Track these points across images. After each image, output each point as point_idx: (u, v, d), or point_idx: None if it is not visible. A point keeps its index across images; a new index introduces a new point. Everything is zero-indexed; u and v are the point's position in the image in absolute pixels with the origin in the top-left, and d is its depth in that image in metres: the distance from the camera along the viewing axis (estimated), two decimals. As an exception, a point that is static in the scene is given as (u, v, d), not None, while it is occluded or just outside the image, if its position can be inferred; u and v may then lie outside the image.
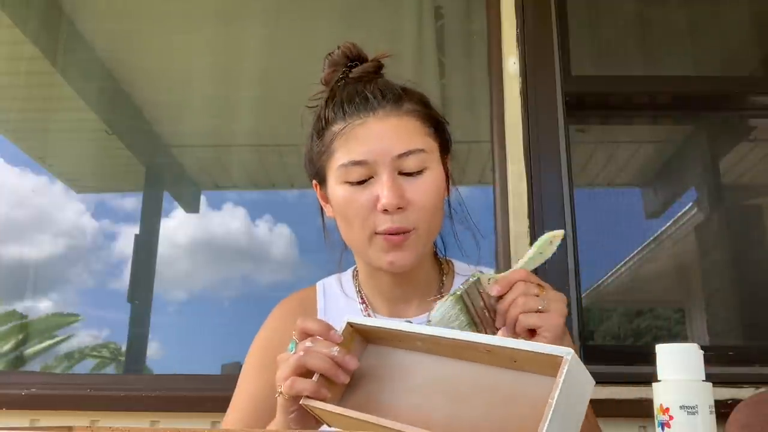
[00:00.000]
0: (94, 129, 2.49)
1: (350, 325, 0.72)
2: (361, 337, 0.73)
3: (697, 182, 2.05)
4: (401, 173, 0.90)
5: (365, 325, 0.71)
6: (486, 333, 0.75)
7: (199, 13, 2.28)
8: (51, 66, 2.33)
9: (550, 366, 0.55)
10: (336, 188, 0.92)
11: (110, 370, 2.60)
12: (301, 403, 0.70)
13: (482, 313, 0.77)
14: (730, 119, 1.93)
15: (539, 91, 1.62)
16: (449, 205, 1.01)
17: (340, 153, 0.91)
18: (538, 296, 0.76)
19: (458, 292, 0.75)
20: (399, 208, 0.88)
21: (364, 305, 1.03)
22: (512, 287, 0.76)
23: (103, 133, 2.49)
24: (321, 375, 0.70)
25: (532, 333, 0.75)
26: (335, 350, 0.69)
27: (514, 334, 0.75)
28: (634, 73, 1.88)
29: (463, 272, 1.05)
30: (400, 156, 0.89)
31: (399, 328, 0.67)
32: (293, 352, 0.72)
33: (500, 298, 0.77)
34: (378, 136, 0.90)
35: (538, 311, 0.74)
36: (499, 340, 0.59)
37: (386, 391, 0.68)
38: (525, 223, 1.53)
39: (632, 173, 2.15)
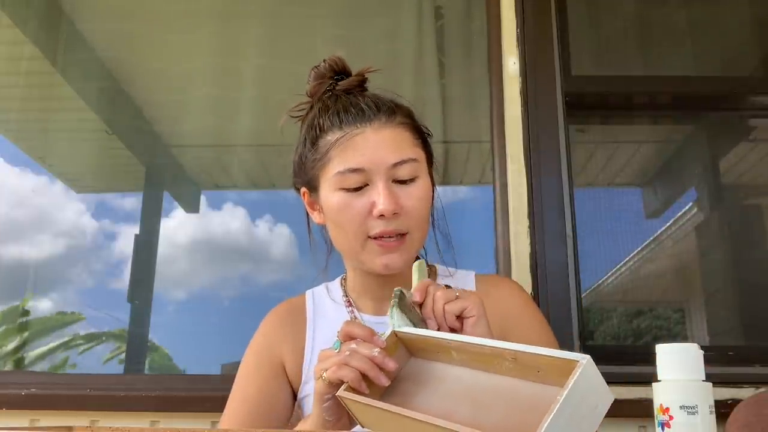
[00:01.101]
0: (94, 129, 2.49)
1: (395, 334, 0.76)
2: (405, 348, 0.77)
3: (697, 182, 2.05)
4: (395, 181, 0.94)
5: (409, 333, 0.75)
6: None
7: (199, 13, 2.28)
8: (51, 66, 2.33)
9: (569, 376, 0.55)
10: (331, 195, 0.95)
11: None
12: (337, 395, 0.72)
13: (420, 324, 0.79)
14: (730, 119, 1.93)
15: (539, 90, 1.62)
16: (432, 215, 1.05)
17: (336, 161, 0.94)
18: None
19: (392, 305, 0.79)
20: (394, 214, 0.92)
21: (351, 308, 1.07)
22: (427, 290, 0.82)
23: (103, 133, 2.49)
24: (362, 376, 0.73)
25: (461, 325, 0.80)
26: (376, 351, 0.73)
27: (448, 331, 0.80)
28: (634, 73, 1.88)
29: (443, 274, 1.08)
30: (395, 165, 0.94)
31: (438, 336, 0.72)
32: (337, 350, 0.76)
33: (422, 305, 0.81)
34: (374, 145, 0.94)
35: (457, 297, 0.80)
36: (523, 347, 0.61)
37: (417, 397, 0.71)
38: (525, 223, 1.53)
39: (632, 173, 2.15)
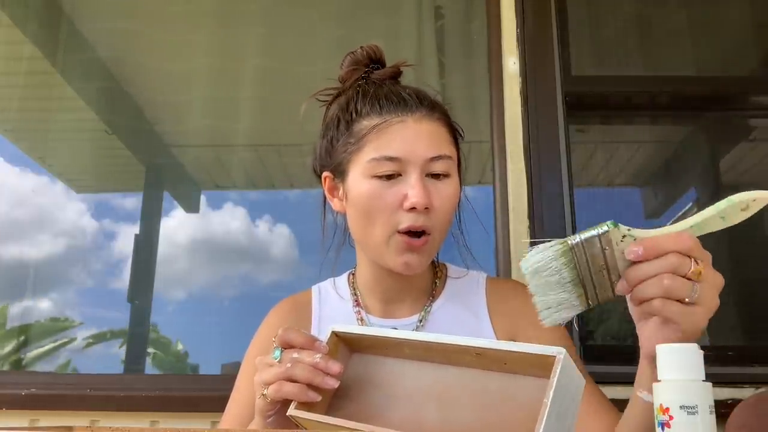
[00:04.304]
0: (94, 129, 2.49)
1: (335, 334, 0.72)
2: (346, 346, 0.73)
3: (697, 182, 2.04)
4: (427, 175, 0.92)
5: (351, 333, 0.71)
6: (595, 298, 0.64)
7: (199, 13, 2.28)
8: (51, 66, 2.33)
9: (541, 367, 0.55)
10: (361, 181, 0.93)
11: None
12: (288, 414, 0.70)
13: (599, 273, 0.62)
14: (730, 119, 1.93)
15: (539, 91, 1.62)
16: (458, 217, 1.04)
17: (372, 147, 0.92)
18: (690, 279, 0.60)
19: (569, 242, 0.61)
20: (425, 209, 0.90)
21: (358, 308, 1.04)
22: (662, 256, 0.60)
23: (103, 133, 2.49)
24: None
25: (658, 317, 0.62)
26: (318, 357, 0.70)
27: (637, 311, 0.64)
28: (634, 73, 1.88)
29: (457, 275, 1.06)
30: (432, 159, 0.92)
31: (385, 335, 0.67)
32: (278, 359, 0.73)
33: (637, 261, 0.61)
34: (414, 136, 0.92)
35: (683, 301, 0.60)
36: (489, 342, 0.59)
37: (375, 400, 0.68)
38: (525, 223, 1.53)
39: (632, 173, 2.15)
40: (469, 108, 2.06)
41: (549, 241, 0.62)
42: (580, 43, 1.74)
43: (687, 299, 0.60)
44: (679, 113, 1.93)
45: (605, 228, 0.61)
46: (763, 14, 1.96)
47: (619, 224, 0.61)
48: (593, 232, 0.61)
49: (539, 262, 0.62)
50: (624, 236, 0.61)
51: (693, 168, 2.03)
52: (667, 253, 0.60)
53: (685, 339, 0.61)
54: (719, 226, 0.63)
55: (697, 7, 2.03)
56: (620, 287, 0.63)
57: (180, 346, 2.47)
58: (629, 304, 0.64)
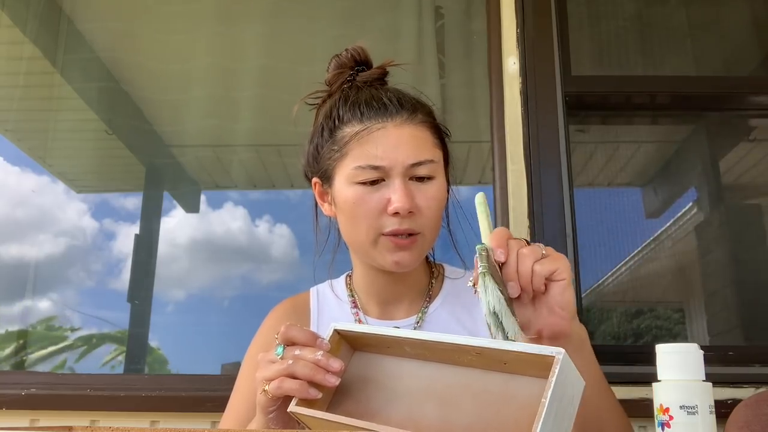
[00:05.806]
0: (94, 129, 2.49)
1: (337, 332, 0.72)
2: (348, 344, 0.73)
3: (697, 182, 2.04)
4: (411, 178, 0.93)
5: (352, 331, 0.71)
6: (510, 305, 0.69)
7: (199, 13, 2.28)
8: (51, 66, 2.33)
9: (540, 367, 0.55)
10: (346, 188, 0.94)
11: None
12: (289, 411, 0.70)
13: (504, 291, 0.68)
14: (730, 119, 1.93)
15: (539, 91, 1.62)
16: (446, 214, 1.05)
17: (354, 154, 0.93)
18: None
19: (483, 270, 0.67)
20: (409, 213, 0.91)
21: (356, 309, 1.05)
22: (508, 245, 0.71)
23: (103, 133, 2.49)
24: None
25: (544, 291, 0.70)
26: (319, 354, 0.70)
27: (530, 296, 0.71)
28: (634, 73, 1.88)
29: (454, 275, 1.07)
30: (414, 164, 0.92)
31: (387, 334, 0.67)
32: (280, 356, 0.73)
33: (503, 265, 0.70)
34: (395, 142, 0.92)
35: (544, 256, 0.70)
36: (488, 342, 0.59)
37: (376, 398, 0.68)
38: (525, 223, 1.53)
39: (632, 173, 2.15)
40: (469, 108, 2.06)
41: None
42: (580, 43, 1.74)
43: (544, 252, 0.70)
44: (679, 113, 1.94)
45: (484, 249, 0.68)
46: (763, 14, 1.96)
47: (487, 247, 0.68)
48: (483, 262, 0.67)
49: (498, 298, 0.66)
50: (486, 249, 0.68)
51: (693, 168, 2.03)
52: (507, 240, 0.70)
53: (569, 281, 0.69)
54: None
55: (697, 7, 2.03)
56: (513, 290, 0.69)
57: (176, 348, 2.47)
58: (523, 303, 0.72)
